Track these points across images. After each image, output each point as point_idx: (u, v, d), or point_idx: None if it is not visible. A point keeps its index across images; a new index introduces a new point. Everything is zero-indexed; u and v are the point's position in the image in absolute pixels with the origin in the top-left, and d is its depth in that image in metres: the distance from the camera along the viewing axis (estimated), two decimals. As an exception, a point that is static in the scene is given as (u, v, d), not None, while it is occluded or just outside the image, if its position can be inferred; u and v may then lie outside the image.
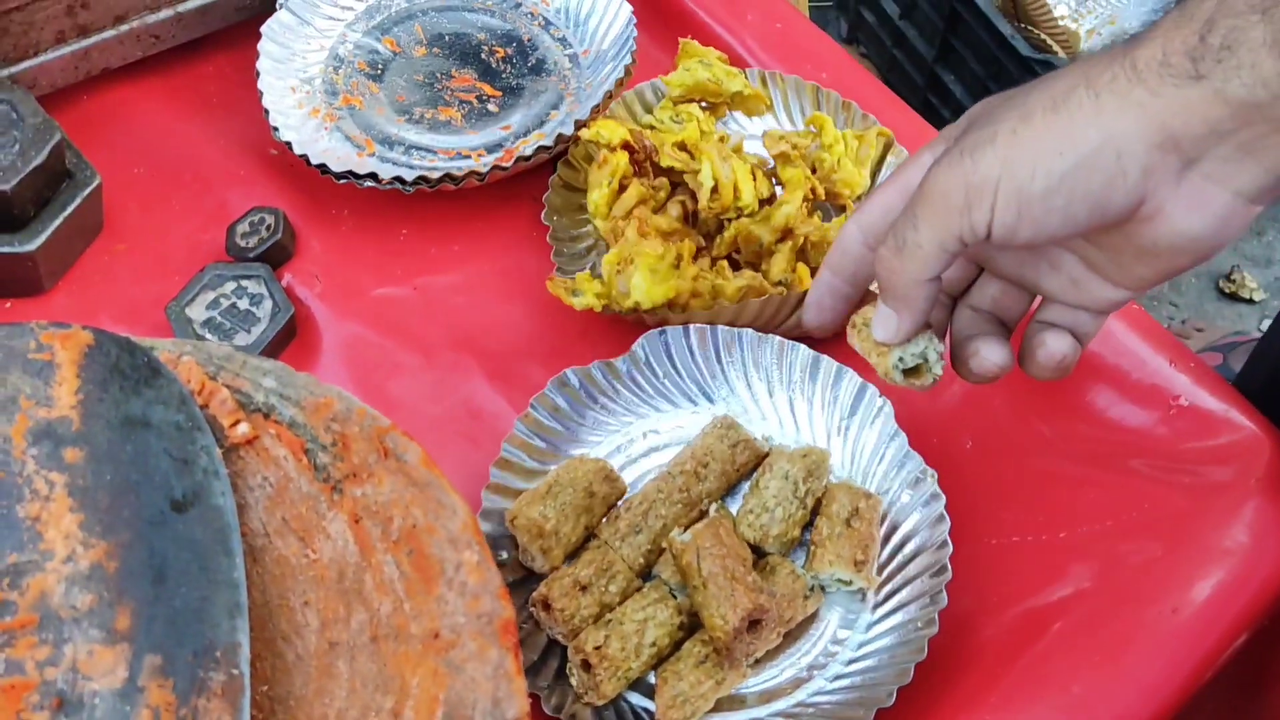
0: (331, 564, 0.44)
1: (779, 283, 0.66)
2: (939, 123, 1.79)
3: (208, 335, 0.61)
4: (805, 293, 0.63)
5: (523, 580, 0.57)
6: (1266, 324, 1.80)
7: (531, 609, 0.56)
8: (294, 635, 0.44)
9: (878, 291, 0.50)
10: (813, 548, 0.57)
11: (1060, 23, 1.77)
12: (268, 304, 0.62)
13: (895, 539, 0.58)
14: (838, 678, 0.55)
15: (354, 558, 0.44)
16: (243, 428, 0.46)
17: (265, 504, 0.46)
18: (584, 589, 0.55)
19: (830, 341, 0.64)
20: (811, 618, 0.57)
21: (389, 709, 0.42)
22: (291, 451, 0.46)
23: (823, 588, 0.57)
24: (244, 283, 0.63)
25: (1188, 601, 0.57)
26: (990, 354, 0.51)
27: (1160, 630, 0.56)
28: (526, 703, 0.42)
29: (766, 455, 0.60)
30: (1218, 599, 0.57)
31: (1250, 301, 1.82)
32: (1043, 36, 1.70)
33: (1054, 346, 0.50)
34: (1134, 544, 0.59)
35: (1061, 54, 1.68)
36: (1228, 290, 1.83)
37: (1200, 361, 0.65)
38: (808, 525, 0.59)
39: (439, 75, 0.74)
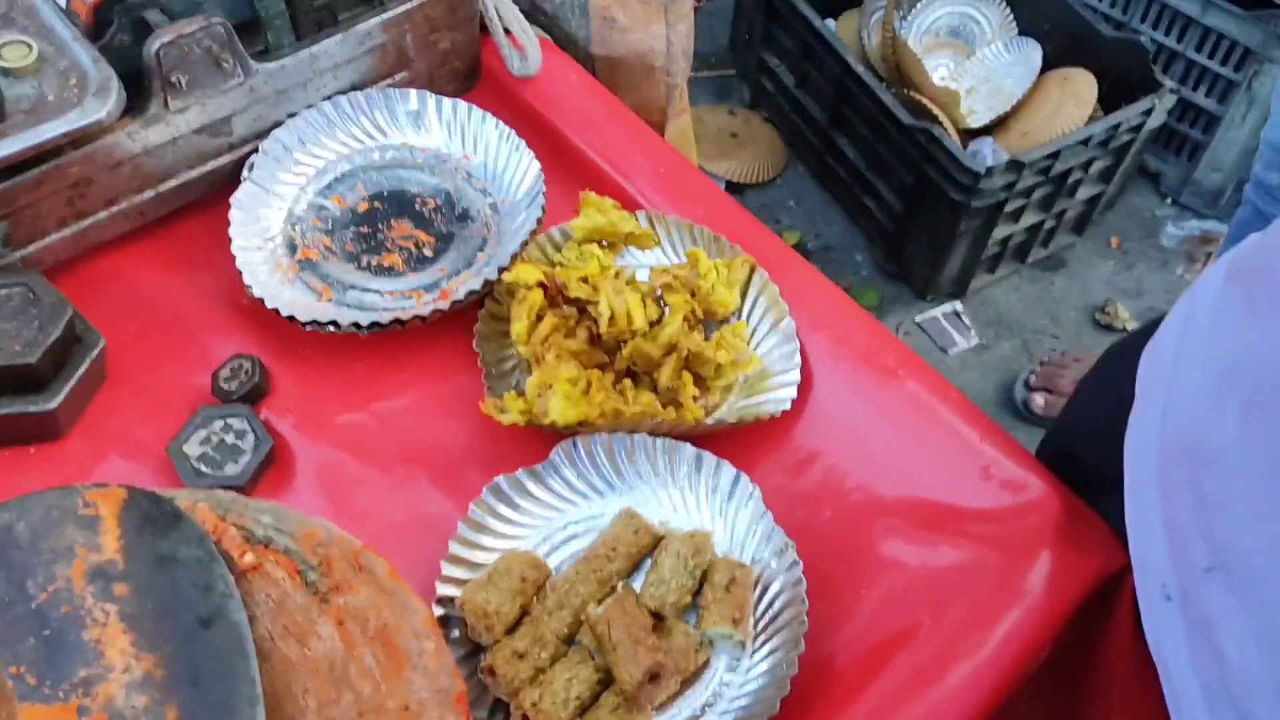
0: (324, 658, 0.58)
1: (668, 387, 0.82)
2: (836, 182, 2.00)
3: (203, 468, 0.74)
4: (686, 414, 0.78)
5: (472, 652, 0.71)
6: (1138, 351, 1.98)
7: (481, 675, 0.70)
8: (298, 716, 0.58)
9: None
10: (701, 610, 0.72)
11: (940, 84, 1.95)
12: (250, 438, 0.76)
13: (766, 598, 0.73)
14: (724, 713, 0.70)
15: (340, 652, 0.59)
16: (249, 557, 0.60)
17: (270, 615, 0.59)
18: (521, 657, 0.70)
19: (708, 440, 0.79)
20: (703, 666, 0.72)
21: (375, 766, 0.56)
22: (288, 573, 0.60)
23: (710, 642, 0.72)
24: (229, 421, 0.76)
25: (997, 630, 0.72)
26: None
27: (976, 655, 0.71)
28: (477, 754, 0.56)
29: (661, 538, 0.75)
30: (1020, 626, 0.73)
31: (1123, 330, 2.01)
32: (923, 100, 1.87)
33: None
34: (957, 588, 0.74)
35: (941, 116, 1.86)
36: (1103, 321, 2.02)
37: (1004, 434, 0.81)
38: (697, 593, 0.73)
39: (380, 226, 0.88)
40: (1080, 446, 0.87)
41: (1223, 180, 2.10)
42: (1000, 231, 1.90)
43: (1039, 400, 1.85)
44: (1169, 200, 2.19)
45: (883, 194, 1.98)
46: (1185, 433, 0.59)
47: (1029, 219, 1.92)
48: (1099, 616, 0.76)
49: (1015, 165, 1.73)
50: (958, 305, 2.02)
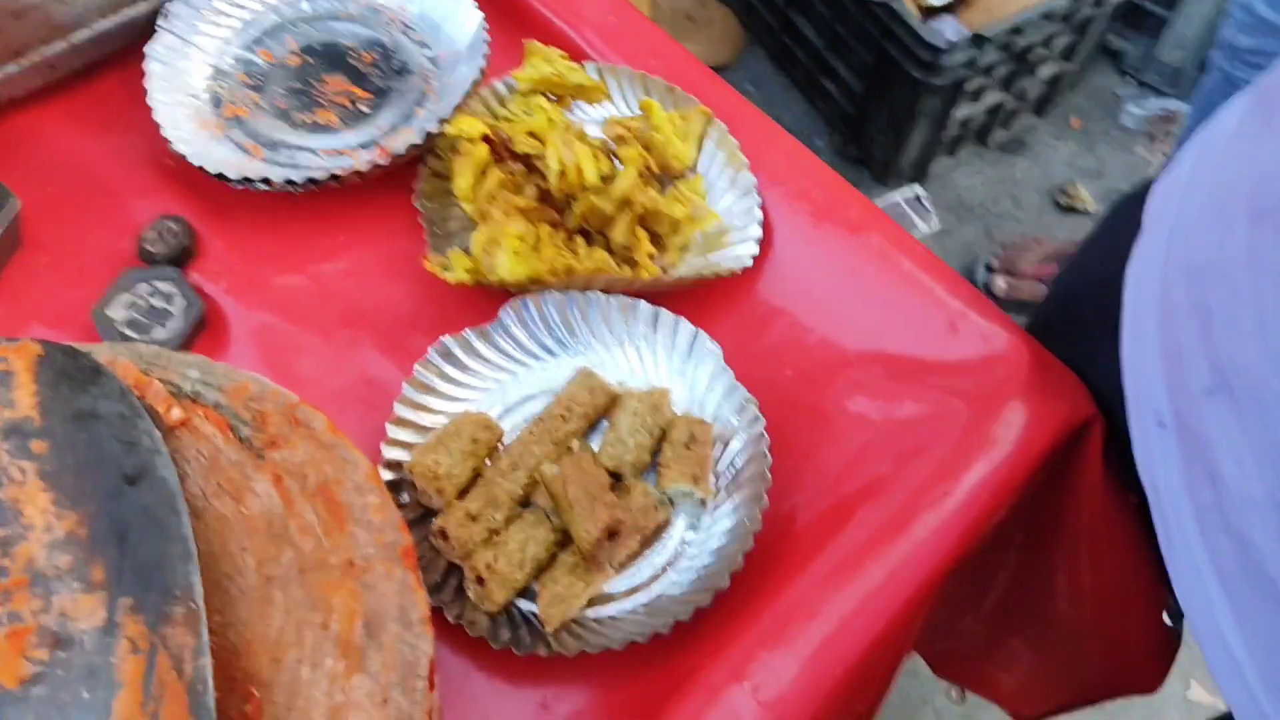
0: (261, 516, 0.55)
1: (623, 245, 0.78)
2: (795, 64, 1.93)
3: (129, 333, 0.70)
4: (642, 272, 0.75)
5: (422, 517, 0.69)
6: (1099, 232, 1.97)
7: (432, 539, 0.67)
8: (236, 574, 0.54)
9: None
10: (660, 469, 0.69)
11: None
12: (180, 301, 0.71)
13: (726, 456, 0.71)
14: (686, 570, 0.68)
15: (279, 509, 0.55)
16: (176, 412, 0.56)
17: (201, 473, 0.56)
18: (474, 519, 0.67)
19: (665, 299, 0.76)
20: (664, 525, 0.69)
21: (318, 623, 0.53)
22: (219, 429, 0.57)
23: (670, 500, 0.70)
24: (156, 284, 0.72)
25: (960, 483, 0.70)
26: None
27: (942, 505, 0.70)
28: (427, 608, 0.53)
29: (618, 397, 0.72)
30: (987, 477, 0.71)
31: (1085, 213, 1.99)
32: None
33: None
34: (921, 442, 0.72)
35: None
36: (1064, 203, 1.99)
37: (970, 286, 0.79)
38: (656, 451, 0.71)
39: (313, 82, 0.83)
40: (1079, 302, 0.85)
41: (1184, 57, 2.07)
42: (961, 112, 1.86)
43: (1000, 283, 1.84)
44: (1130, 79, 2.16)
45: (842, 75, 1.93)
46: (1191, 253, 0.58)
47: (990, 99, 1.88)
48: (1066, 465, 0.74)
49: (977, 40, 1.69)
50: (919, 189, 1.99)
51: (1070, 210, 1.99)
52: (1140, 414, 0.61)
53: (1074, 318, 0.81)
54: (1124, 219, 0.80)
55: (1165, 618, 0.64)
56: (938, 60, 1.68)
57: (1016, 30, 1.71)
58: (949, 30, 1.83)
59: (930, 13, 1.89)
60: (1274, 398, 0.50)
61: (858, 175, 2.00)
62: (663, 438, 0.71)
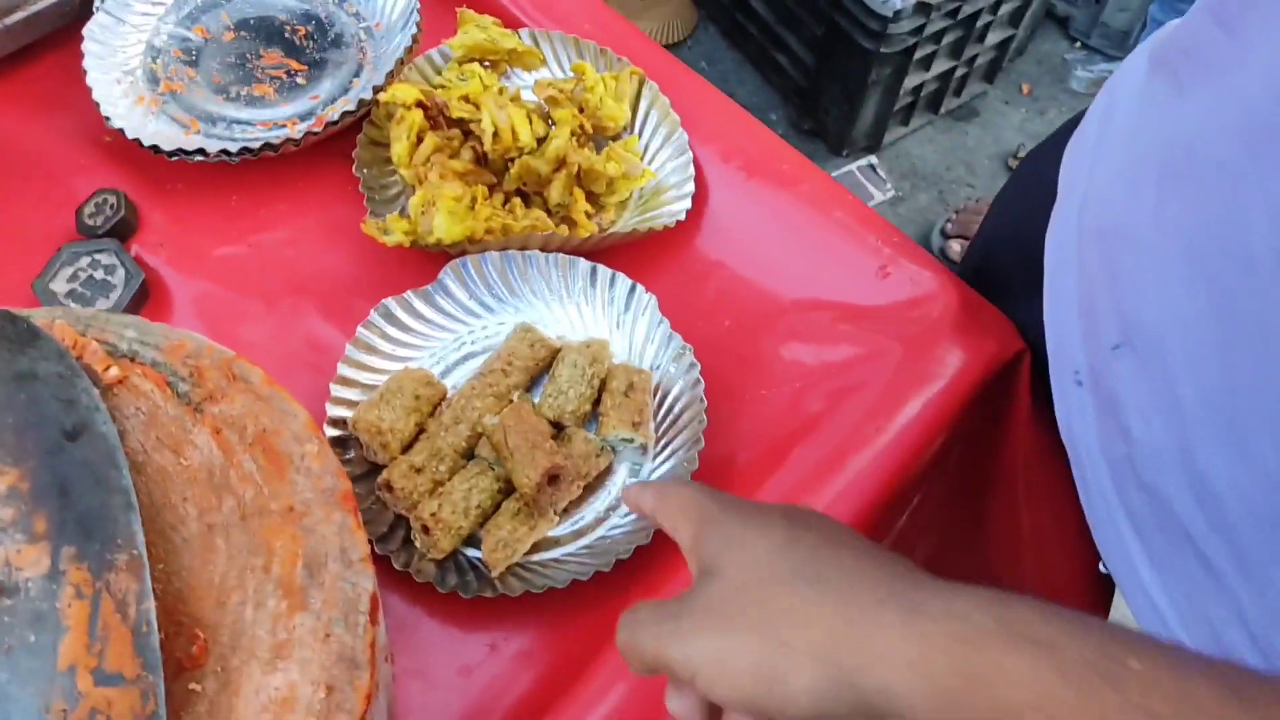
0: (201, 467, 0.57)
1: (559, 204, 0.79)
2: (747, 40, 1.97)
3: (72, 304, 0.71)
4: (580, 231, 0.77)
5: (367, 472, 0.70)
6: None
7: (378, 492, 0.69)
8: (179, 524, 0.56)
9: None
10: (601, 417, 0.71)
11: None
12: (120, 272, 0.72)
13: (666, 403, 0.72)
14: (627, 514, 0.69)
15: (219, 460, 0.57)
16: (113, 371, 0.58)
17: (141, 428, 0.57)
18: (419, 471, 0.68)
19: (602, 256, 0.77)
20: (607, 471, 0.71)
21: (260, 566, 0.54)
22: (156, 385, 0.58)
23: (612, 447, 0.71)
24: (97, 256, 0.73)
25: (894, 420, 0.72)
26: None
27: (875, 442, 0.71)
28: (367, 548, 0.55)
29: (558, 351, 0.74)
30: (920, 413, 0.73)
31: (1036, 176, 2.02)
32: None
33: None
34: (856, 381, 0.74)
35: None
36: (1016, 168, 2.02)
37: (902, 235, 0.81)
38: (597, 401, 0.73)
39: (249, 56, 0.84)
40: (998, 255, 0.87)
41: (1130, 20, 2.10)
42: (912, 80, 1.88)
43: (955, 247, 1.86)
44: (1078, 44, 2.19)
45: (794, 48, 1.95)
46: (1103, 216, 0.60)
47: (940, 66, 1.91)
48: (998, 404, 0.76)
49: (923, 7, 1.71)
50: (873, 159, 2.01)
51: (1022, 174, 2.02)
52: (1060, 372, 0.63)
53: (994, 270, 0.83)
54: (1031, 175, 0.83)
55: (1101, 566, 0.66)
56: (886, 29, 1.71)
57: (961, -3, 1.73)
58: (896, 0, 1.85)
59: (876, -17, 1.91)
60: (1171, 354, 0.51)
61: (813, 148, 2.02)
62: (602, 388, 0.72)
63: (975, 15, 1.82)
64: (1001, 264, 0.84)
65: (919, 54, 1.82)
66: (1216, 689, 0.32)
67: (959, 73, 1.97)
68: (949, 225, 1.90)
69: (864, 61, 1.80)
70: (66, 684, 0.48)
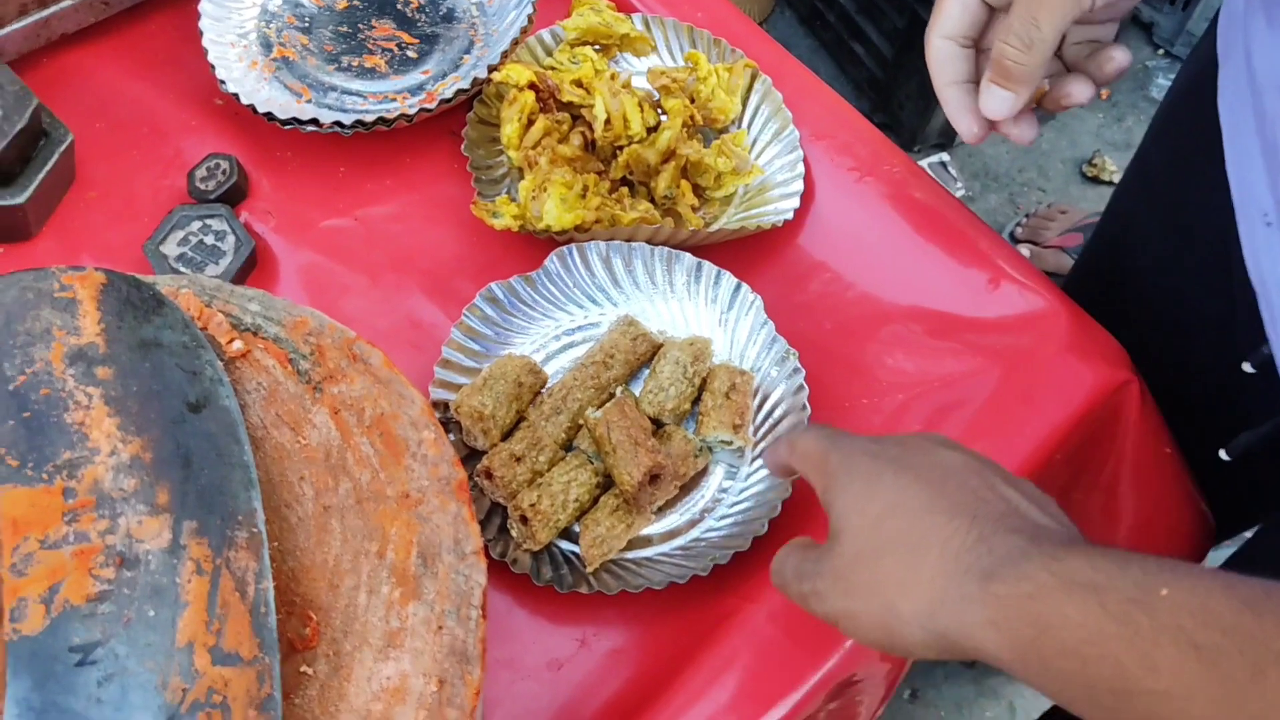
0: (319, 447, 0.56)
1: (665, 197, 0.79)
2: (825, 27, 1.93)
3: (181, 269, 0.71)
4: (685, 224, 0.76)
5: (467, 457, 0.70)
6: (1124, 204, 1.97)
7: (477, 479, 0.68)
8: (295, 503, 0.56)
9: (993, 79, 0.59)
10: (700, 417, 0.70)
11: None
12: (231, 239, 0.72)
13: (766, 406, 0.72)
14: (723, 517, 0.69)
15: (336, 441, 0.57)
16: (237, 344, 0.57)
17: (261, 404, 0.57)
18: (519, 460, 0.68)
19: (707, 251, 0.76)
20: (702, 473, 0.70)
21: (374, 552, 0.54)
22: (278, 361, 0.58)
23: (710, 448, 0.71)
24: (208, 221, 0.73)
25: (993, 443, 0.71)
26: (1079, 89, 0.62)
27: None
28: (480, 541, 0.54)
29: (659, 346, 0.73)
30: (1019, 438, 0.72)
31: (1110, 184, 1.99)
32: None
33: (1120, 57, 0.62)
34: (956, 399, 0.73)
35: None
36: (1090, 174, 1.99)
37: (1009, 246, 0.79)
38: (696, 400, 0.72)
39: (361, 26, 0.83)
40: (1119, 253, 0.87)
41: (1217, 30, 2.05)
42: (991, 78, 1.85)
43: (1024, 251, 1.84)
44: (1161, 51, 2.14)
45: (873, 38, 1.92)
46: (1274, 66, 0.61)
47: (1021, 66, 1.87)
48: (1103, 424, 0.75)
49: (1011, 6, 1.68)
50: (945, 156, 1.99)
51: (1096, 181, 1.99)
52: (1248, 219, 0.64)
53: (1115, 267, 0.82)
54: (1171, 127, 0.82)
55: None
56: (970, 26, 1.67)
57: (1051, -3, 1.70)
58: (982, -5, 1.82)
59: (963, -22, 1.88)
60: None
61: (884, 140, 2.00)
62: (703, 386, 0.72)
63: (1063, 17, 1.79)
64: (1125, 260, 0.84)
65: (1002, 53, 1.79)
66: (1233, 602, 0.38)
67: (1039, 74, 1.93)
68: (1019, 229, 1.87)
69: (945, 57, 1.77)
70: (184, 661, 0.49)
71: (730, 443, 0.70)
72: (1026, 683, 0.43)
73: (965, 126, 0.63)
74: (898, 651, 0.48)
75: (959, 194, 1.95)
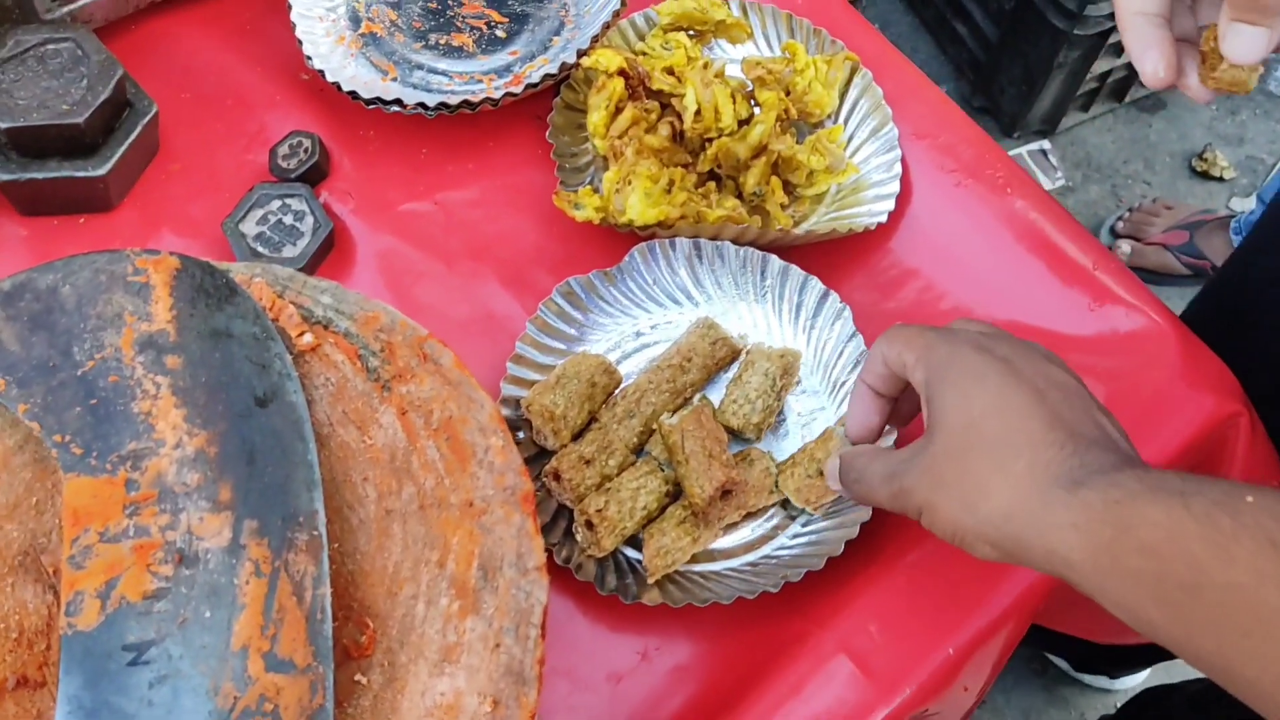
0: (384, 448, 0.55)
1: (754, 193, 0.75)
2: (926, 5, 1.88)
3: (259, 248, 0.70)
4: (773, 223, 0.73)
5: (536, 456, 0.68)
6: (1235, 202, 1.87)
7: (544, 480, 0.67)
8: (357, 505, 0.55)
9: (1231, 14, 0.48)
10: (785, 469, 0.66)
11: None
12: (309, 220, 0.71)
13: (849, 422, 0.68)
14: (796, 536, 0.66)
15: (402, 443, 0.55)
16: (307, 337, 0.56)
17: (328, 400, 0.56)
18: (588, 463, 0.66)
19: (794, 252, 0.73)
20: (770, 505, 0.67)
21: (435, 561, 0.53)
22: (348, 357, 0.56)
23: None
24: (288, 201, 0.72)
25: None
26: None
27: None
28: (544, 556, 0.53)
29: (740, 351, 0.70)
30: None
31: (1220, 180, 1.90)
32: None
33: None
34: (1052, 423, 0.69)
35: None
36: (1200, 169, 1.90)
37: (1119, 262, 0.75)
38: (781, 413, 0.69)
39: (450, 3, 0.81)
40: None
41: (1349, 22, 1.93)
42: (1101, 65, 1.77)
43: (1125, 248, 1.76)
44: (1285, 43, 2.03)
45: (977, 19, 1.85)
46: None
47: (1133, 53, 1.78)
48: (1208, 454, 0.71)
49: (1127, -10, 1.60)
50: (1045, 144, 1.91)
51: (1206, 177, 1.89)
52: None
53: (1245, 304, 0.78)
54: None
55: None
56: (1083, 9, 1.60)
57: (1171, -18, 1.61)
58: (1097, -23, 1.74)
59: (1078, -42, 1.79)
60: None
61: (983, 126, 1.92)
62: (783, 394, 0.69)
63: (1182, 3, 1.70)
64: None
65: (1113, 38, 1.71)
66: None
67: (1152, 61, 1.84)
68: (1120, 224, 1.80)
69: (1053, 41, 1.69)
70: (238, 666, 0.48)
71: (803, 511, 0.67)
72: (1088, 587, 0.45)
73: (1151, 65, 0.52)
74: (965, 548, 0.49)
75: (1059, 184, 1.88)
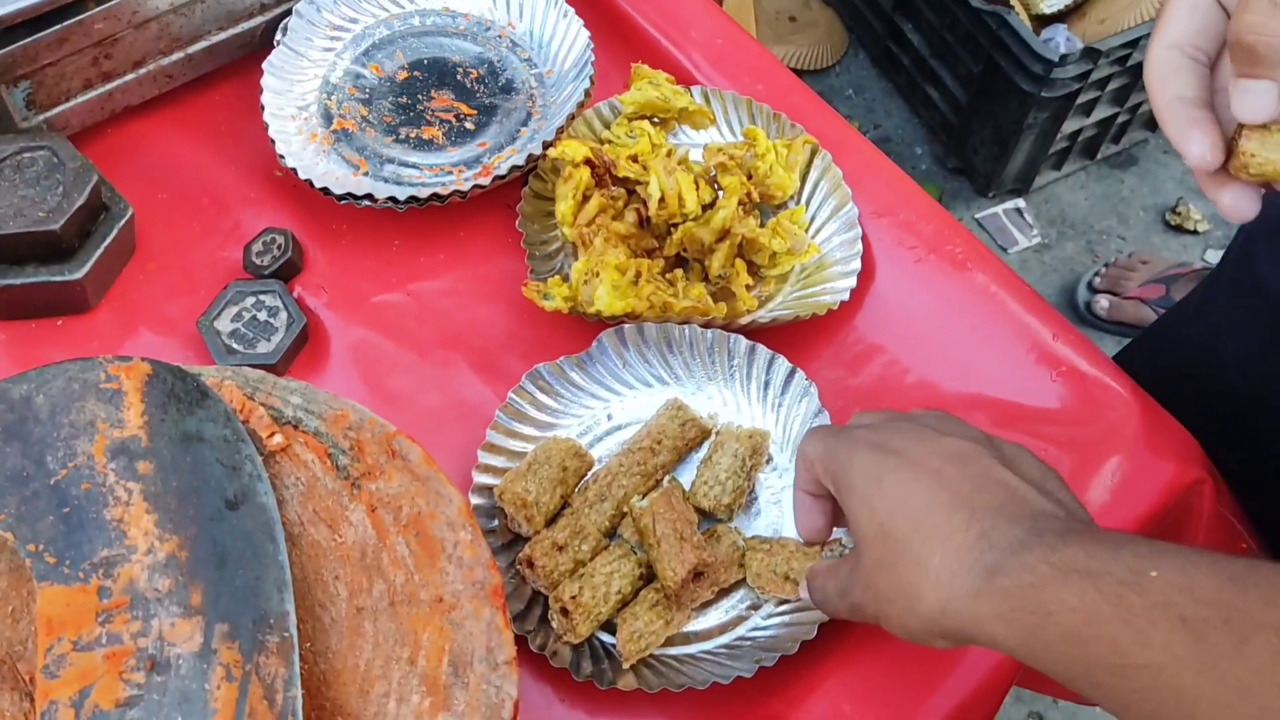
0: (355, 545, 0.56)
1: (720, 276, 0.77)
2: (898, 70, 1.91)
3: (234, 345, 0.71)
4: (739, 305, 0.74)
5: (510, 543, 0.69)
6: (1209, 254, 1.90)
7: (518, 567, 0.67)
8: (328, 603, 0.55)
9: (1240, 71, 0.46)
10: (757, 547, 0.66)
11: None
12: (283, 315, 0.73)
13: (818, 499, 0.69)
14: (770, 616, 0.67)
15: (372, 540, 0.56)
16: (277, 438, 0.57)
17: (299, 499, 0.57)
18: (561, 549, 0.67)
19: (765, 331, 0.75)
20: (741, 581, 0.68)
21: (406, 658, 0.53)
22: (318, 456, 0.57)
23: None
24: (262, 297, 0.73)
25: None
26: None
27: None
28: (513, 650, 0.53)
29: (710, 431, 0.72)
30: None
31: (1194, 233, 1.92)
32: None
33: None
34: (1019, 494, 0.70)
35: (1014, 0, 1.76)
36: (1173, 222, 1.93)
37: (1077, 333, 0.76)
38: (751, 493, 0.70)
39: (420, 97, 0.83)
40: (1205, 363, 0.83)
41: (1311, 75, 1.98)
42: (1070, 125, 1.80)
43: (1103, 303, 1.78)
44: (1251, 96, 2.07)
45: (947, 83, 1.89)
46: None
47: (1101, 112, 1.82)
48: (1173, 521, 0.72)
49: (1090, 54, 1.64)
50: (1020, 202, 1.94)
51: (1180, 230, 1.92)
52: None
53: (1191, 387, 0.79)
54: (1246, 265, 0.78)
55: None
56: (1049, 74, 1.64)
57: (1132, 43, 1.65)
58: (1061, 41, 1.78)
59: (1041, 21, 1.84)
60: None
61: (958, 186, 1.96)
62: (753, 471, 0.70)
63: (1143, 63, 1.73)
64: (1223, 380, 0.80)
65: (1081, 99, 1.75)
66: (1218, 579, 0.41)
67: (1120, 119, 1.88)
68: (1098, 279, 1.82)
69: (1021, 104, 1.73)
70: (211, 770, 0.48)
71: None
72: (1036, 667, 0.46)
73: (1198, 149, 0.48)
74: (924, 644, 0.51)
75: (1035, 241, 1.90)
